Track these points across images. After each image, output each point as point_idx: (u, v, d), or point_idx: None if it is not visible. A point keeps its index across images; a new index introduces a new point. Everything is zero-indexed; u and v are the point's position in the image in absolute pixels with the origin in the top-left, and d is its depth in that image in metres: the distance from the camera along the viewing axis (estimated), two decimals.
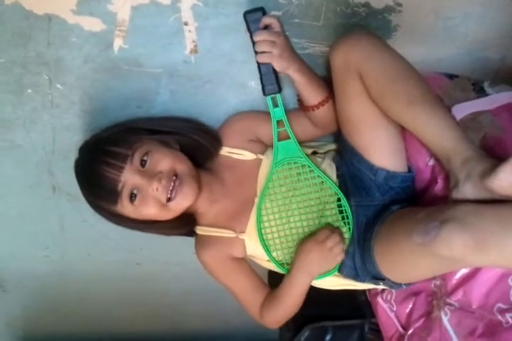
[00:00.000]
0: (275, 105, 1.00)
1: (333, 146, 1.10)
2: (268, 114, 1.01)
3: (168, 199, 0.94)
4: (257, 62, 0.96)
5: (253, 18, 0.94)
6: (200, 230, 1.06)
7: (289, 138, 1.01)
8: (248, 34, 0.95)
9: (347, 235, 0.99)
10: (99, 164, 0.93)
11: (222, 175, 1.05)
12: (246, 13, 0.94)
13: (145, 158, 0.94)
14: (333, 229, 0.99)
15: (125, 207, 0.95)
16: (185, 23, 1.00)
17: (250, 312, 1.07)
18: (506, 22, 1.04)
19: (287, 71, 0.95)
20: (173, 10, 0.99)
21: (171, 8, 0.98)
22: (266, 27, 0.94)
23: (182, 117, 1.07)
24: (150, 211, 0.95)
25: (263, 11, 0.94)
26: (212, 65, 1.05)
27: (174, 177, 0.94)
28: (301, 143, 1.03)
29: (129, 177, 0.93)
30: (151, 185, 0.93)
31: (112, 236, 1.26)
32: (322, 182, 1.01)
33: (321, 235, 0.97)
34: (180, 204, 0.96)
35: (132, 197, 0.93)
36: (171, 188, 0.94)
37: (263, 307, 1.05)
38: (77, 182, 1.00)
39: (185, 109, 1.09)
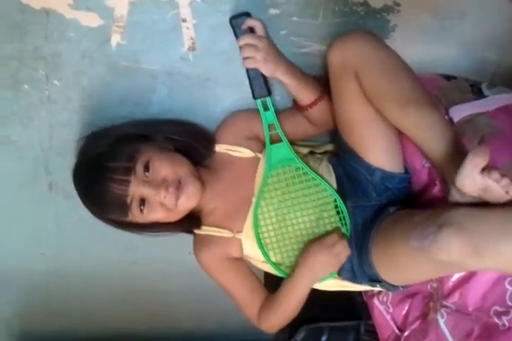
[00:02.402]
0: (265, 108, 0.99)
1: (329, 147, 1.09)
2: None
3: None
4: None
5: (239, 23, 0.95)
6: (198, 230, 1.05)
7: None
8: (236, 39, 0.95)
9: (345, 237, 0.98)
10: (104, 181, 0.93)
11: (220, 173, 1.05)
12: (232, 19, 0.95)
13: (147, 167, 0.94)
14: (341, 234, 0.98)
15: (135, 216, 0.96)
16: (184, 20, 1.00)
17: (247, 315, 1.06)
18: (504, 23, 1.03)
19: (275, 74, 0.96)
20: (171, 6, 0.98)
21: (169, 3, 0.98)
22: (252, 30, 0.94)
23: (171, 119, 1.06)
24: (159, 215, 0.96)
25: (248, 16, 0.94)
26: (210, 63, 1.05)
27: (178, 182, 0.95)
28: (298, 140, 1.02)
29: (136, 190, 0.93)
30: (159, 194, 0.94)
31: (108, 234, 1.23)
32: (318, 184, 1.00)
33: (330, 240, 0.96)
34: (187, 203, 0.97)
35: (141, 206, 0.94)
36: (177, 193, 0.95)
37: (262, 310, 1.04)
38: (81, 199, 1.00)
39: (182, 106, 1.08)
